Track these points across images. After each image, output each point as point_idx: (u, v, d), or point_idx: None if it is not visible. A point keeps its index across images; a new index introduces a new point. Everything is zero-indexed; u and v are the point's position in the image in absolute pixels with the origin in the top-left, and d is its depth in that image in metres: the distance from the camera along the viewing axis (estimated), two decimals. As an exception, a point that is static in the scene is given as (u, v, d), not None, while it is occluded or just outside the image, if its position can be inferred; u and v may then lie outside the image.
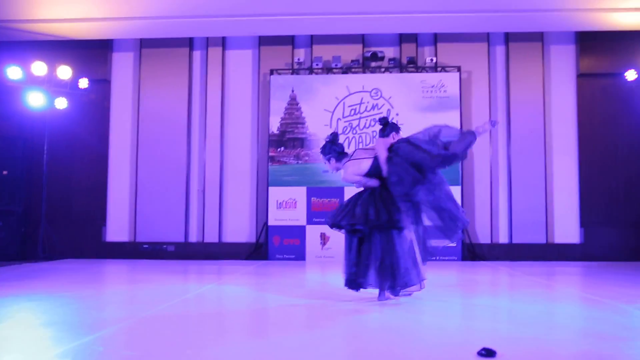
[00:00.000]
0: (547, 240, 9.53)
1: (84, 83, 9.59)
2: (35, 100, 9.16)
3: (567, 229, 9.61)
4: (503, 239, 9.63)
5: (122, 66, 10.35)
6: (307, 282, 6.74)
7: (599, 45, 9.64)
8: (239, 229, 9.93)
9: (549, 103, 9.81)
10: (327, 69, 9.87)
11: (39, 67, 9.19)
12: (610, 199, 9.59)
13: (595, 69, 9.69)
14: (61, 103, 9.47)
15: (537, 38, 9.84)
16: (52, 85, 9.38)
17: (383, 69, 9.83)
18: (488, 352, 2.85)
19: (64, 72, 9.41)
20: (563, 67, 9.87)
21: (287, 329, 3.76)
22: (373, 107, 9.65)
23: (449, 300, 4.91)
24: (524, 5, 8.72)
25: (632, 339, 3.34)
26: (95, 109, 10.18)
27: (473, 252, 9.46)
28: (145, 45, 10.22)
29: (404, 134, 9.56)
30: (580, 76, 9.75)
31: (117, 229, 10.03)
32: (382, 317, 4.19)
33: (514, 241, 9.50)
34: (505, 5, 8.74)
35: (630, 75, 9.05)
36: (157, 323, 3.87)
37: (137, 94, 10.22)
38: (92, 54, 10.17)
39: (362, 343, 3.28)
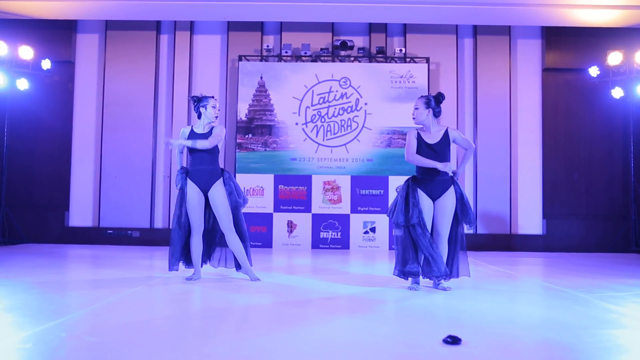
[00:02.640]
0: (510, 231, 9.70)
1: (46, 64, 9.33)
2: (-5, 80, 8.88)
3: (530, 220, 9.80)
4: (468, 229, 9.74)
5: (86, 48, 10.11)
6: (274, 268, 6.73)
7: (564, 41, 9.81)
8: (205, 215, 9.83)
9: (515, 96, 9.95)
10: (297, 57, 9.82)
11: (-1, 47, 8.92)
12: (572, 192, 9.80)
13: (560, 64, 9.86)
14: (22, 84, 9.21)
15: (505, 32, 9.96)
16: (14, 66, 9.12)
17: (352, 58, 9.83)
18: (453, 340, 2.90)
19: (26, 52, 9.15)
20: (529, 61, 10.01)
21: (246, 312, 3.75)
22: (342, 96, 9.64)
23: (412, 288, 4.95)
24: (492, -2, 8.81)
25: (592, 327, 3.43)
26: (58, 91, 9.94)
27: (438, 242, 9.55)
28: (111, 27, 10.00)
29: (372, 124, 9.64)
30: (546, 70, 9.91)
31: (80, 214, 9.84)
32: (348, 307, 4.21)
33: (479, 231, 9.64)
34: (475, -2, 8.82)
35: (593, 71, 9.23)
36: (121, 309, 3.82)
37: (102, 77, 10.00)
38: (56, 34, 9.91)
39: (329, 332, 3.30)
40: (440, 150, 4.80)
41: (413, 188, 4.80)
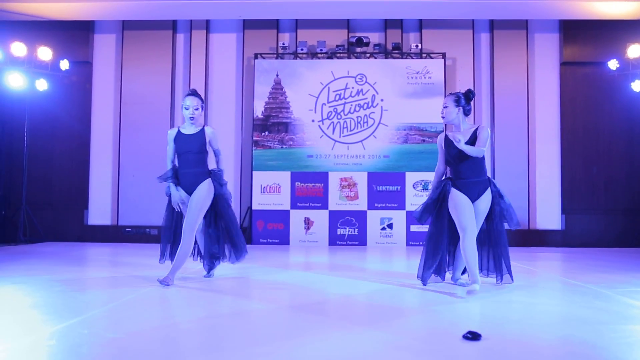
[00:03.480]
0: (529, 227, 9.64)
1: (65, 65, 9.43)
2: (14, 81, 9.00)
3: (549, 215, 9.72)
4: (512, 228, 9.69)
5: (104, 48, 10.20)
6: (290, 265, 6.74)
7: (582, 34, 9.70)
8: (223, 213, 9.87)
9: (532, 90, 9.87)
10: (312, 54, 9.82)
11: (18, 48, 9.02)
12: (591, 186, 9.70)
13: (579, 57, 9.75)
14: (42, 84, 9.32)
15: (522, 26, 9.87)
16: (33, 67, 9.23)
17: (368, 55, 9.80)
18: (473, 335, 2.89)
19: (45, 53, 9.26)
20: (547, 55, 9.92)
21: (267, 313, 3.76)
22: (358, 93, 9.63)
23: (434, 285, 4.94)
24: (509, -8, 8.73)
25: (614, 323, 3.39)
26: (76, 91, 10.04)
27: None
28: (128, 27, 10.08)
29: (388, 120, 9.61)
30: (564, 64, 9.81)
31: (99, 213, 9.94)
32: (367, 303, 4.22)
33: (496, 227, 9.56)
34: (491, -8, 8.75)
35: (612, 64, 9.11)
36: (140, 306, 3.86)
37: (119, 77, 10.09)
38: (74, 35, 10.01)
39: (348, 328, 3.30)
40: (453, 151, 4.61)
41: (447, 190, 4.62)
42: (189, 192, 4.87)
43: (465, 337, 2.89)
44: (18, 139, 9.63)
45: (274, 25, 10.05)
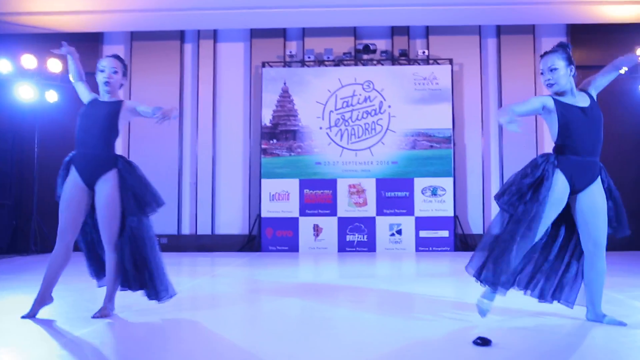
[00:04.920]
0: (538, 232, 9.59)
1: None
2: (25, 93, 9.08)
3: (558, 220, 9.67)
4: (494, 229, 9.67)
5: (113, 59, 10.27)
6: (300, 274, 6.76)
7: (590, 38, 9.68)
8: (232, 221, 9.93)
9: (540, 95, 9.84)
10: (319, 62, 9.86)
11: (28, 60, 9.11)
12: (601, 190, 9.64)
13: (587, 61, 9.69)
14: (52, 96, 9.40)
15: (529, 31, 9.88)
16: (43, 78, 9.31)
17: (375, 62, 9.83)
18: (483, 341, 2.89)
19: (54, 65, 9.34)
20: (554, 59, 9.89)
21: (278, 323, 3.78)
22: (365, 100, 9.65)
23: (442, 289, 4.93)
24: (515, -3, 8.75)
25: (625, 327, 3.38)
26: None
27: (465, 243, 9.51)
28: (136, 38, 10.17)
29: (396, 126, 9.62)
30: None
31: (109, 222, 9.98)
32: (378, 310, 4.22)
33: (506, 232, 9.54)
34: (497, -2, 8.77)
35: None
36: (152, 316, 3.88)
37: (128, 87, 10.15)
38: (83, 46, 9.91)
39: (358, 335, 3.31)
40: (595, 116, 3.47)
41: (551, 170, 3.40)
42: (89, 182, 3.74)
43: (475, 342, 2.90)
44: (29, 150, 9.71)
45: (281, 34, 10.11)
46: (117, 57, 4.01)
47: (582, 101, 3.49)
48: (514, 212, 3.40)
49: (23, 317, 3.63)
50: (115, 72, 3.90)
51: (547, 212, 3.32)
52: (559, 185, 3.35)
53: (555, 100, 3.47)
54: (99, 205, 3.70)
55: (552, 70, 3.47)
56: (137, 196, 3.78)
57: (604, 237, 3.45)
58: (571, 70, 3.50)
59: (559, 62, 3.47)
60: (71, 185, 3.75)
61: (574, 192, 3.41)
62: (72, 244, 3.82)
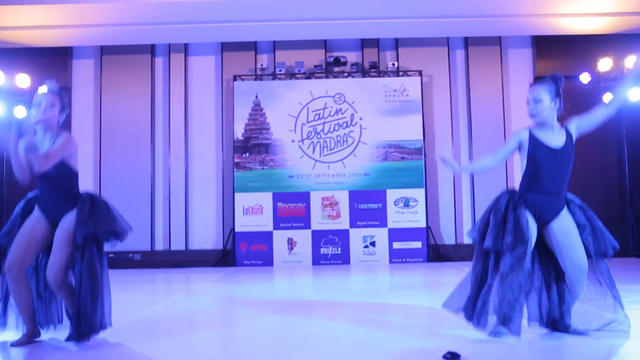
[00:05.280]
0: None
1: (43, 91, 9.40)
2: (-7, 109, 8.96)
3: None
4: (467, 239, 9.80)
5: (82, 73, 10.21)
6: (275, 289, 6.78)
7: (554, 49, 9.92)
8: (206, 236, 9.90)
9: (508, 105, 10.05)
10: (291, 75, 9.92)
11: (-4, 76, 9.00)
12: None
13: (552, 71, 9.87)
14: (20, 112, 9.28)
15: (495, 42, 10.07)
16: (11, 94, 9.19)
17: (346, 74, 9.92)
18: (453, 356, 2.95)
19: (23, 80, 9.23)
20: (521, 70, 10.12)
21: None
22: (337, 112, 9.73)
23: (415, 302, 5.00)
24: (482, 10, 8.90)
25: (595, 336, 3.46)
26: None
27: (438, 253, 9.62)
28: (106, 52, 10.11)
29: (367, 138, 9.70)
30: (537, 78, 10.00)
31: (81, 239, 9.87)
32: (352, 324, 4.27)
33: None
34: (464, 11, 8.91)
35: (584, 78, 9.32)
36: (127, 336, 3.86)
37: (98, 102, 10.09)
38: (52, 61, 10.00)
39: (332, 351, 3.35)
40: (565, 156, 3.58)
41: (517, 205, 3.52)
42: (53, 220, 3.63)
43: (445, 357, 2.96)
44: (-3, 167, 9.56)
45: (252, 47, 10.15)
46: (53, 87, 3.83)
47: (558, 139, 3.59)
48: (500, 247, 3.45)
49: (12, 345, 3.50)
50: (52, 106, 3.72)
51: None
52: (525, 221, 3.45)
53: (531, 136, 3.59)
54: (57, 235, 3.55)
55: (537, 101, 3.55)
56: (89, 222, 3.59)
57: (584, 257, 3.48)
58: (556, 104, 3.59)
59: (545, 95, 3.55)
60: (34, 219, 3.64)
61: (542, 224, 3.53)
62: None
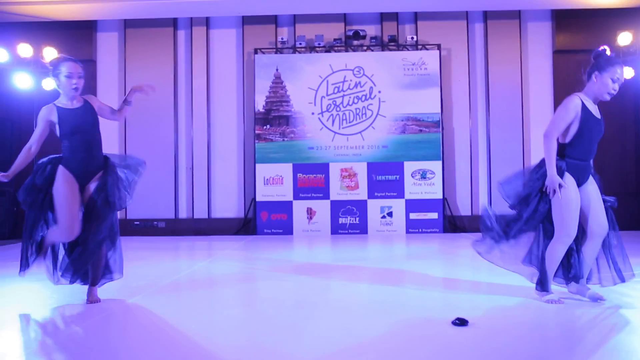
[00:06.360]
0: (524, 212, 9.90)
1: (70, 62, 9.64)
2: (22, 81, 9.24)
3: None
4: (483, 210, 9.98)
5: (107, 46, 10.45)
6: (294, 257, 7.04)
7: (574, 23, 9.91)
8: (228, 205, 10.20)
9: (526, 79, 10.11)
10: (311, 48, 10.05)
11: (24, 49, 9.25)
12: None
13: (571, 45, 9.97)
14: (48, 84, 9.56)
15: (515, 16, 10.09)
16: (39, 67, 9.46)
17: (365, 47, 10.03)
18: (461, 322, 3.18)
19: (50, 53, 9.48)
20: (540, 43, 10.14)
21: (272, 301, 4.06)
22: (356, 85, 9.87)
23: (429, 272, 5.22)
24: (501, -16, 8.94)
25: (604, 307, 3.66)
26: (81, 89, 10.25)
27: (454, 224, 9.82)
28: (130, 25, 10.32)
29: (386, 111, 9.85)
30: (556, 52, 10.04)
31: (107, 208, 10.21)
32: (368, 293, 4.51)
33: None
34: (484, -15, 8.95)
35: (604, 51, 9.32)
36: (154, 301, 4.14)
37: (123, 74, 10.34)
38: (77, 34, 10.25)
39: (348, 318, 3.60)
40: (602, 127, 3.91)
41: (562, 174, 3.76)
42: (82, 183, 4.02)
43: (454, 323, 3.18)
44: (27, 138, 9.78)
45: (273, 20, 10.28)
46: (77, 61, 4.14)
47: (597, 110, 3.84)
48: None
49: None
50: (81, 78, 4.10)
51: (571, 207, 3.69)
52: (570, 185, 3.73)
53: (583, 106, 3.77)
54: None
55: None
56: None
57: (606, 219, 3.78)
58: None
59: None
60: (66, 182, 3.97)
61: (580, 185, 3.80)
62: None
